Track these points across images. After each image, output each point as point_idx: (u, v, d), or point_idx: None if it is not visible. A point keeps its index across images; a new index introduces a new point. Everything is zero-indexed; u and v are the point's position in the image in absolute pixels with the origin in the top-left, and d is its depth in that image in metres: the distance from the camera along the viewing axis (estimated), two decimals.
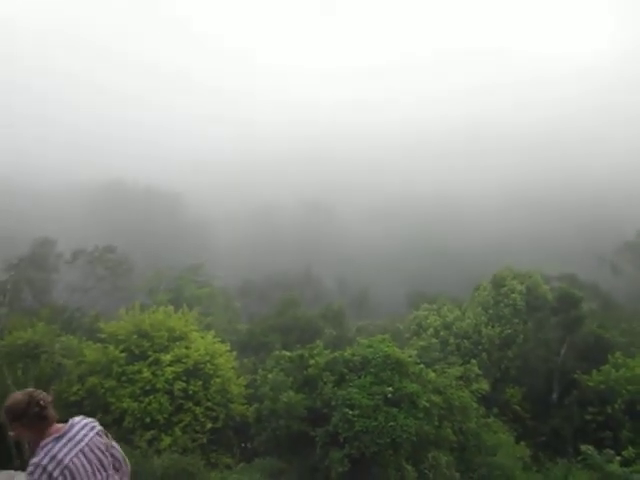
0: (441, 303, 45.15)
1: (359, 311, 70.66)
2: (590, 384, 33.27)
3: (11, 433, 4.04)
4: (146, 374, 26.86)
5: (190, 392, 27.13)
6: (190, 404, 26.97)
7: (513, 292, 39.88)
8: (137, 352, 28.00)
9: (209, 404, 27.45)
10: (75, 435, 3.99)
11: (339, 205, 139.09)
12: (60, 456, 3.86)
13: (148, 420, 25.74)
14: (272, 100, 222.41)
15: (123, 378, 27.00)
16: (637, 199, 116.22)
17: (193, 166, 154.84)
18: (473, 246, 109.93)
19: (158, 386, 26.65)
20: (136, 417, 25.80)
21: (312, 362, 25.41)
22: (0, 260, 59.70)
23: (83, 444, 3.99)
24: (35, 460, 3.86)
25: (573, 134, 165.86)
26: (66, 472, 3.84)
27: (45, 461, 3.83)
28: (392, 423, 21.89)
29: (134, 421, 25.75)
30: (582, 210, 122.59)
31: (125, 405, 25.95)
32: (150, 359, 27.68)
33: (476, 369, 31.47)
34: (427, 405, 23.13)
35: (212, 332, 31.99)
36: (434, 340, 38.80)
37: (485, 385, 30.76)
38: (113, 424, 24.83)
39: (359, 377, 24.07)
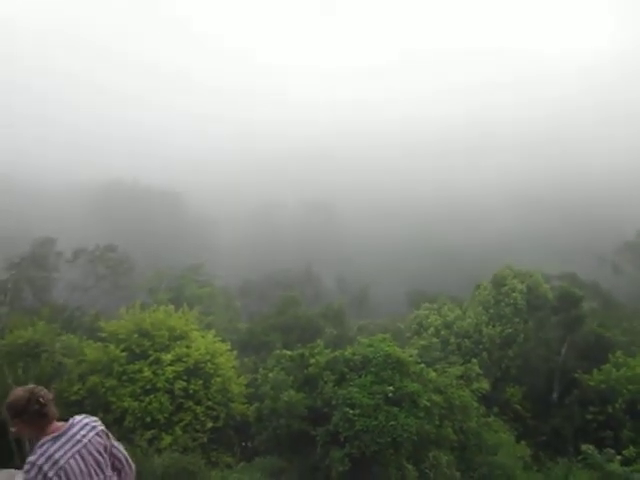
0: (442, 302, 45.15)
1: (359, 310, 70.71)
2: (591, 383, 33.26)
3: (12, 429, 4.04)
4: (147, 373, 26.85)
5: (191, 391, 27.12)
6: (191, 403, 26.96)
7: (514, 291, 39.87)
8: (138, 351, 27.99)
9: (210, 403, 27.45)
10: (74, 436, 3.97)
11: (339, 204, 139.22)
12: (56, 457, 3.85)
13: (149, 419, 25.73)
14: (272, 100, 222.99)
15: (124, 377, 26.99)
16: (637, 198, 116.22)
17: (193, 166, 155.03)
18: (473, 245, 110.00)
19: (159, 385, 26.64)
20: (137, 416, 25.79)
21: (313, 361, 25.40)
22: (1, 259, 59.73)
23: (81, 445, 3.97)
24: (32, 459, 3.86)
25: (573, 133, 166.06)
26: (61, 473, 3.83)
27: (41, 461, 3.83)
28: (393, 422, 21.88)
29: (135, 420, 25.75)
30: (582, 209, 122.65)
31: (126, 404, 25.94)
32: (151, 358, 27.67)
33: (477, 368, 31.46)
34: (428, 404, 23.12)
35: (213, 331, 31.99)
36: (435, 339, 38.80)
37: (486, 384, 30.76)
38: (114, 423, 24.81)
39: (360, 376, 24.05)
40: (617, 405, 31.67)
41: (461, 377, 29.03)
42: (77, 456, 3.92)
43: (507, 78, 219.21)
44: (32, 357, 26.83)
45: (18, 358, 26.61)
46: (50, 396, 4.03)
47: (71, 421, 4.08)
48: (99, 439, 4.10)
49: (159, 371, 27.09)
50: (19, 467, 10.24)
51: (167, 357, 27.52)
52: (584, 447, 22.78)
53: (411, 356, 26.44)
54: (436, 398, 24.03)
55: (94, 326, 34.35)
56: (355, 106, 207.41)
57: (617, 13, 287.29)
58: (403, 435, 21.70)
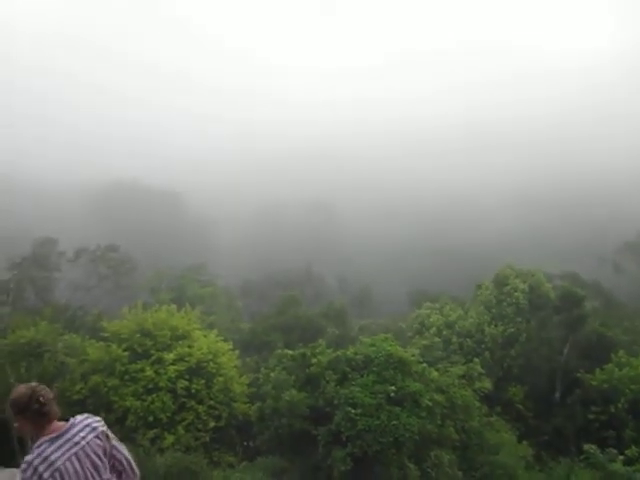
0: (443, 302, 45.11)
1: (361, 310, 70.70)
2: (593, 383, 33.20)
3: (16, 424, 4.04)
4: (149, 373, 26.89)
5: (193, 391, 27.16)
6: (193, 403, 27.00)
7: (516, 291, 39.83)
8: (140, 351, 28.04)
9: (212, 403, 27.48)
10: (72, 437, 3.94)
11: (339, 204, 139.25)
12: (52, 458, 3.83)
13: (151, 419, 25.77)
14: (272, 100, 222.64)
15: (126, 377, 27.03)
16: (637, 197, 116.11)
17: (193, 166, 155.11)
18: (473, 245, 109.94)
19: (161, 385, 26.68)
20: (139, 416, 25.83)
21: (314, 361, 25.40)
22: (2, 259, 59.80)
23: (78, 448, 3.93)
24: (28, 458, 3.87)
25: (573, 132, 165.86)
26: (56, 475, 3.81)
27: (37, 461, 3.83)
28: (395, 422, 21.88)
29: (137, 420, 25.79)
30: (582, 208, 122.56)
31: (128, 404, 25.99)
32: (153, 358, 27.71)
33: (479, 368, 31.43)
34: (430, 404, 23.12)
35: (215, 331, 32.03)
36: (437, 339, 38.77)
37: (488, 384, 30.73)
38: (116, 423, 24.85)
39: (362, 376, 24.05)
40: (619, 405, 31.60)
41: (463, 377, 29.00)
42: (74, 458, 3.89)
43: (507, 78, 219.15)
44: (35, 357, 26.88)
45: (21, 358, 26.67)
46: (51, 395, 4.00)
47: (72, 421, 4.05)
48: (98, 441, 4.04)
49: (161, 370, 27.13)
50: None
51: (169, 356, 27.56)
52: (586, 447, 22.80)
53: (413, 356, 26.42)
54: (438, 398, 24.04)
55: (96, 326, 34.39)
56: (355, 106, 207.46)
57: (617, 13, 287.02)
58: (405, 434, 21.71)
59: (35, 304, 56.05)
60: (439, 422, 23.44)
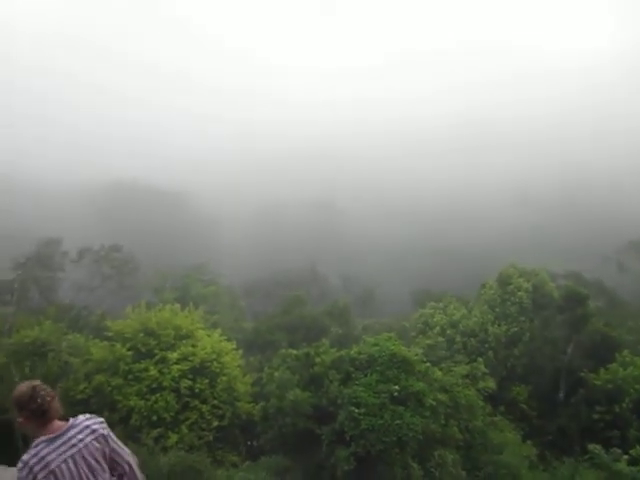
0: (447, 301, 45.05)
1: (364, 309, 70.68)
2: (597, 382, 33.09)
3: (19, 419, 4.04)
4: (153, 372, 26.93)
5: (196, 390, 27.18)
6: (196, 402, 27.03)
7: (519, 290, 39.77)
8: (144, 350, 28.07)
9: (215, 402, 27.50)
10: (70, 439, 3.92)
11: (340, 204, 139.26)
12: (48, 459, 3.83)
13: (155, 418, 25.81)
14: (272, 100, 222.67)
15: (130, 376, 27.07)
16: (637, 197, 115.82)
17: (193, 166, 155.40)
18: (474, 244, 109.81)
19: (165, 384, 26.72)
20: (143, 415, 25.87)
21: (318, 360, 25.39)
22: (2, 259, 59.94)
23: (75, 450, 3.91)
24: (25, 458, 3.86)
25: (573, 132, 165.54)
26: (51, 476, 3.80)
27: (33, 461, 3.83)
28: (398, 421, 21.86)
29: (141, 419, 25.83)
30: (583, 207, 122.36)
31: (132, 403, 26.03)
32: (157, 357, 27.74)
33: (482, 367, 31.39)
34: (433, 403, 23.08)
35: (218, 330, 32.04)
36: (440, 338, 38.73)
37: (491, 383, 30.69)
38: (120, 422, 24.92)
39: (365, 375, 24.03)
40: (624, 404, 31.50)
41: (467, 376, 28.95)
42: (69, 460, 3.87)
43: (507, 78, 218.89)
44: (39, 356, 26.96)
45: (25, 357, 26.76)
46: (52, 394, 4.01)
47: (71, 422, 4.02)
48: (96, 444, 4.00)
49: (165, 370, 27.17)
50: None
51: (173, 356, 27.59)
52: (591, 447, 22.74)
53: (416, 355, 26.38)
54: (442, 397, 24.00)
55: (100, 325, 34.49)
56: (355, 106, 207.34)
57: (617, 13, 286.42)
58: (409, 434, 21.68)
59: (39, 304, 56.29)
60: (443, 422, 23.40)
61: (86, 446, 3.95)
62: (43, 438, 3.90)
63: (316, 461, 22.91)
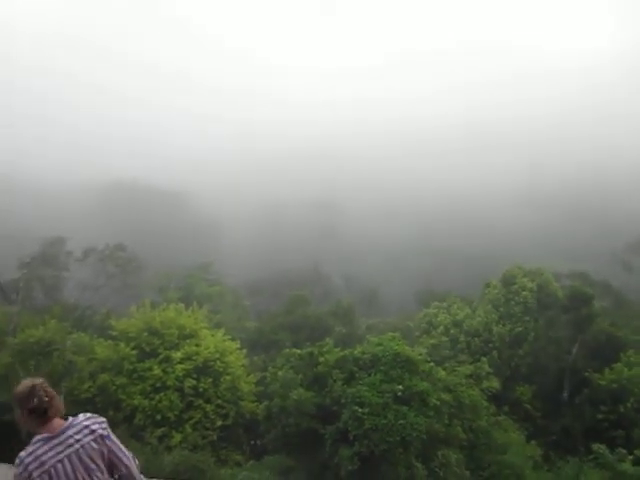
0: (451, 301, 44.97)
1: (368, 309, 70.55)
2: (602, 382, 32.99)
3: (19, 417, 4.04)
4: (157, 371, 27.01)
5: (200, 389, 27.25)
6: (200, 401, 27.09)
7: (524, 290, 39.65)
8: (148, 349, 28.16)
9: (219, 401, 27.57)
10: (67, 439, 3.89)
11: (340, 204, 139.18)
12: (43, 459, 3.81)
13: (159, 417, 25.90)
14: (272, 100, 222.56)
15: (134, 375, 27.17)
16: (638, 196, 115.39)
17: (193, 166, 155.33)
18: (474, 244, 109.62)
19: (169, 383, 26.80)
20: (147, 414, 25.96)
21: (322, 360, 25.38)
22: (6, 259, 60.14)
23: (71, 450, 3.87)
24: (22, 455, 3.86)
25: (573, 132, 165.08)
26: (45, 476, 3.78)
27: (28, 459, 3.82)
28: (402, 421, 21.83)
29: (145, 418, 25.92)
30: (583, 208, 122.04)
31: (136, 402, 26.12)
32: (161, 356, 27.83)
33: (486, 367, 31.34)
34: (437, 403, 23.05)
35: (222, 330, 32.12)
36: (444, 338, 38.67)
37: (495, 383, 30.64)
38: (124, 421, 25.02)
39: (369, 375, 24.00)
40: (629, 404, 31.41)
41: (471, 376, 28.93)
42: (65, 460, 3.84)
43: (507, 78, 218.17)
44: (43, 355, 27.01)
45: (30, 356, 26.81)
46: (52, 393, 3.98)
47: (70, 421, 3.99)
48: (94, 445, 3.95)
49: (169, 369, 27.25)
50: None
51: (177, 355, 27.66)
52: (595, 447, 22.68)
53: (420, 355, 26.36)
54: (445, 397, 23.96)
55: (105, 324, 34.58)
56: (355, 106, 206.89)
57: (617, 13, 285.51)
58: (412, 434, 21.65)
59: (44, 303, 56.40)
60: (446, 421, 23.37)
61: (83, 446, 3.91)
62: (41, 437, 3.89)
63: (320, 460, 22.92)
